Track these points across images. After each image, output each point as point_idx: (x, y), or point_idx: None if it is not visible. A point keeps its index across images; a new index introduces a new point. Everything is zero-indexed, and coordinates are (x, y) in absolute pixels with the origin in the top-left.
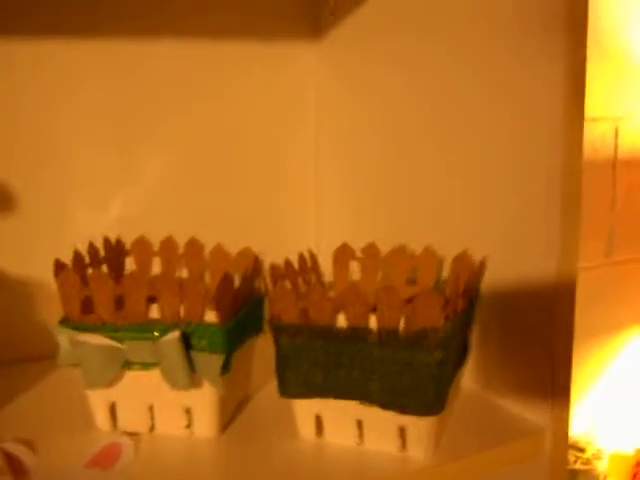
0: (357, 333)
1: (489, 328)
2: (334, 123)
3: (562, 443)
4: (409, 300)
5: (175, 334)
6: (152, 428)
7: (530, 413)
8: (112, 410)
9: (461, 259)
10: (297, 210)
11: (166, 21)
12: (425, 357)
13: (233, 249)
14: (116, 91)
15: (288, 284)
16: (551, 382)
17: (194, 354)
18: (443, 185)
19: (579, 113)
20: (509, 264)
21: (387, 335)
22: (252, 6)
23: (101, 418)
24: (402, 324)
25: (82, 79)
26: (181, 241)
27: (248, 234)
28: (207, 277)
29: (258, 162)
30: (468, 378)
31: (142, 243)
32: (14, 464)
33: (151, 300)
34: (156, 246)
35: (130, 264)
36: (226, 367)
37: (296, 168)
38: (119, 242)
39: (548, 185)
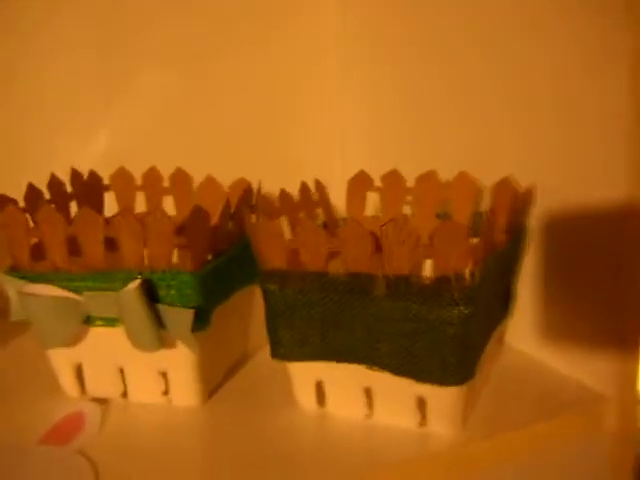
0: (360, 282)
1: (539, 273)
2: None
3: (629, 417)
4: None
5: (134, 284)
6: (125, 394)
7: (590, 379)
8: (79, 373)
9: (503, 187)
10: (320, 143)
11: None
12: (447, 313)
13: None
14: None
15: (277, 220)
16: (617, 340)
17: (162, 308)
18: (484, 99)
19: None
20: (565, 194)
21: (397, 284)
22: None
23: (66, 382)
24: (418, 270)
25: (71, 20)
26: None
27: (262, 171)
28: None
29: (273, 89)
30: (511, 335)
31: (122, 176)
32: None
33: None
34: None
35: (113, 202)
36: (202, 323)
37: (318, 94)
38: (93, 175)
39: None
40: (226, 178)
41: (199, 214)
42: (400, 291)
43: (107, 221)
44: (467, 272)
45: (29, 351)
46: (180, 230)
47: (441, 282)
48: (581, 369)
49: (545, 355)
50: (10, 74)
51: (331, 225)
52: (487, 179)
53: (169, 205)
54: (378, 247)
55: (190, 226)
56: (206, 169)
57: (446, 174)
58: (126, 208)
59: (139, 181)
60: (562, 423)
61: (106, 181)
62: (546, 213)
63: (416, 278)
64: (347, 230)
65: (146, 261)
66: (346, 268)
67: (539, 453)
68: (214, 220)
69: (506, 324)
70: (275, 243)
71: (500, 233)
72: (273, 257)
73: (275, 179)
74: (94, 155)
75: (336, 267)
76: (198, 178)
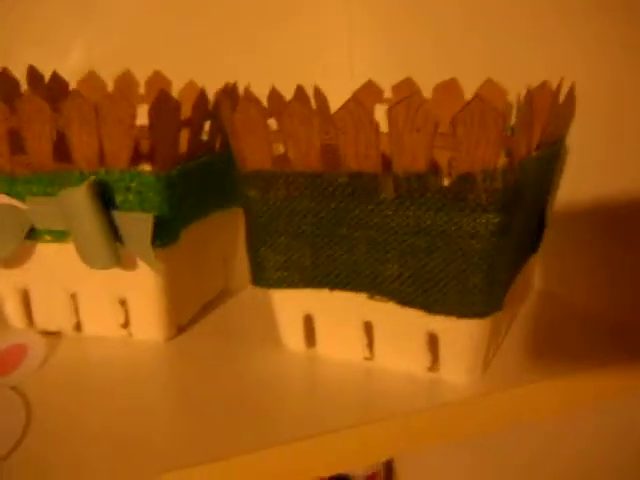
0: (361, 184)
1: (577, 198)
2: None
3: None
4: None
5: (84, 185)
6: (78, 326)
7: (619, 317)
8: (25, 299)
9: (540, 91)
10: (324, 46)
11: None
12: (472, 221)
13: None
14: None
15: (257, 109)
16: None
17: (118, 215)
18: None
19: None
20: (608, 110)
21: (409, 185)
22: None
23: (10, 310)
24: (436, 166)
25: None
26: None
27: (255, 76)
28: None
29: None
30: (542, 273)
31: (91, 81)
32: None
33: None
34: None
35: None
36: (167, 237)
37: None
38: (56, 77)
39: None
40: (213, 84)
41: (165, 100)
42: (412, 194)
43: (56, 110)
44: (499, 171)
45: None
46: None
47: (465, 182)
48: (621, 312)
49: (576, 294)
50: None
51: None
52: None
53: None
54: (386, 139)
55: (154, 115)
56: (189, 75)
57: (468, 84)
58: (76, 91)
59: (110, 87)
60: (601, 376)
61: (73, 87)
62: (585, 127)
63: (433, 177)
64: (345, 114)
65: (101, 158)
66: (345, 166)
67: (568, 412)
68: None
69: (536, 260)
70: (257, 136)
71: (536, 139)
72: (255, 155)
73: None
74: (64, 66)
75: (337, 164)
76: (179, 84)
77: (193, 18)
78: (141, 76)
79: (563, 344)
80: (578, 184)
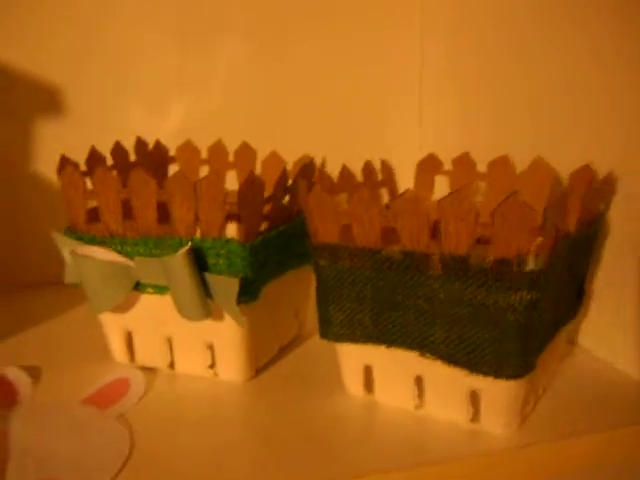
0: (414, 261)
1: (616, 269)
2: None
3: None
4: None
5: (183, 250)
6: (172, 365)
7: None
8: (129, 340)
9: (581, 173)
10: (396, 121)
11: None
12: (508, 298)
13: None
14: None
15: (330, 192)
16: None
17: (210, 277)
18: (554, 86)
19: None
20: None
21: (454, 264)
22: None
23: (116, 348)
24: (477, 250)
25: None
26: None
27: (333, 150)
28: None
29: (349, 59)
30: (584, 337)
31: (187, 149)
32: (6, 392)
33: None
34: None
35: None
36: (250, 295)
37: (397, 73)
38: (159, 145)
39: None
40: (294, 156)
41: (253, 181)
42: (457, 272)
43: (161, 185)
44: (532, 256)
45: (86, 317)
46: (240, 197)
47: (501, 265)
48: None
49: (620, 361)
50: (94, 41)
51: None
52: (563, 168)
53: (233, 179)
54: (436, 223)
55: (243, 193)
56: (274, 146)
57: (520, 160)
58: (179, 172)
59: (205, 154)
60: (628, 436)
61: (172, 153)
62: (625, 200)
63: (474, 258)
64: (401, 203)
65: (197, 228)
66: (401, 244)
67: (601, 466)
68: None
69: (578, 323)
70: (327, 215)
71: (574, 220)
72: (325, 230)
73: (346, 159)
74: (165, 128)
75: (393, 243)
76: (264, 154)
77: (275, 90)
78: (230, 141)
79: (598, 403)
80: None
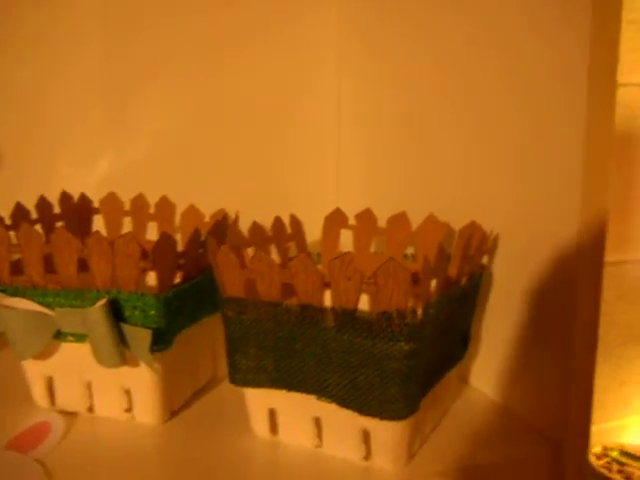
0: (310, 313)
1: (494, 317)
2: (355, 83)
3: (578, 460)
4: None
5: (100, 302)
6: (91, 408)
7: (540, 421)
8: (49, 385)
9: (466, 231)
10: (315, 180)
11: None
12: (390, 347)
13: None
14: (109, 45)
15: (236, 249)
16: (567, 386)
17: (125, 327)
18: (462, 153)
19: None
20: (524, 243)
21: (344, 317)
22: None
23: (38, 393)
24: (363, 304)
25: (71, 19)
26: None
27: (251, 203)
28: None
29: (269, 121)
30: (473, 376)
31: (111, 201)
32: None
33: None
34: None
35: (102, 226)
36: (163, 344)
37: (316, 132)
38: (84, 198)
39: (571, 154)
40: (213, 208)
41: (165, 240)
42: (346, 324)
43: (82, 242)
44: (409, 311)
45: (7, 362)
46: (147, 253)
47: (383, 318)
48: (535, 412)
49: (504, 397)
50: (11, 90)
51: None
52: (457, 223)
53: (153, 230)
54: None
55: (156, 251)
56: (193, 198)
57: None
58: (98, 232)
59: (127, 206)
60: (508, 464)
61: (96, 204)
62: (506, 256)
63: (361, 312)
64: (297, 263)
65: (114, 282)
66: (298, 299)
67: None
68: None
69: (467, 365)
70: (233, 272)
71: (455, 274)
72: (232, 285)
73: (264, 212)
74: (89, 178)
75: (291, 297)
76: (184, 206)
77: (195, 147)
78: (151, 193)
79: (483, 437)
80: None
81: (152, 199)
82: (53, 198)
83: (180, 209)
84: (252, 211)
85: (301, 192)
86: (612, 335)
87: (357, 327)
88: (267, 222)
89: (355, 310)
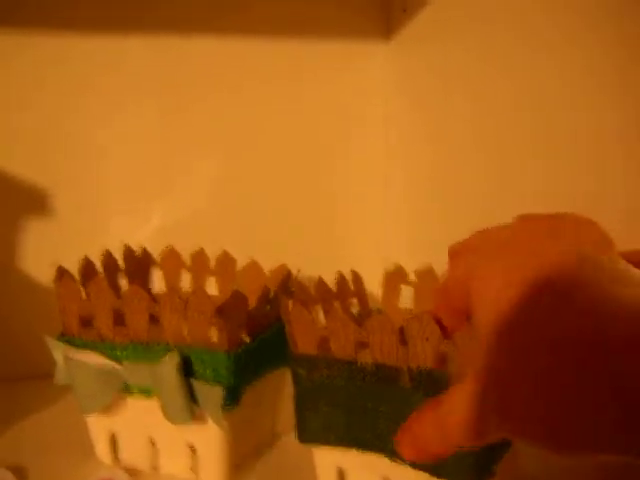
0: (385, 372)
1: None
2: (403, 131)
3: None
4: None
5: (172, 358)
6: (155, 466)
7: None
8: (113, 440)
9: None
10: (363, 229)
11: (218, 11)
12: None
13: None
14: (162, 88)
15: (310, 308)
16: None
17: (195, 383)
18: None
19: None
20: None
21: (420, 377)
22: (318, 2)
23: (101, 448)
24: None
25: (124, 75)
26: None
27: (306, 258)
28: None
29: (321, 171)
30: None
31: (171, 255)
32: None
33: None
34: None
35: (160, 278)
36: (232, 401)
37: (363, 180)
38: (145, 252)
39: None
40: (270, 263)
41: (237, 298)
42: (423, 384)
43: (153, 298)
44: None
45: (72, 413)
46: (219, 311)
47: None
48: None
49: None
50: (76, 146)
51: (365, 315)
52: None
53: (213, 285)
54: (404, 340)
55: (228, 309)
56: (251, 253)
57: None
58: (172, 288)
59: (187, 261)
60: None
61: (156, 258)
62: None
63: (438, 372)
64: (374, 322)
65: (185, 337)
66: (373, 357)
67: None
68: (252, 303)
69: None
70: (307, 329)
71: None
72: (304, 342)
73: (317, 266)
74: (148, 232)
75: (366, 356)
76: (243, 261)
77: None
78: (211, 247)
79: None
80: None
81: (209, 249)
82: (112, 248)
83: (239, 261)
84: (307, 265)
85: (350, 250)
86: None
87: (434, 387)
88: (323, 275)
89: (432, 370)
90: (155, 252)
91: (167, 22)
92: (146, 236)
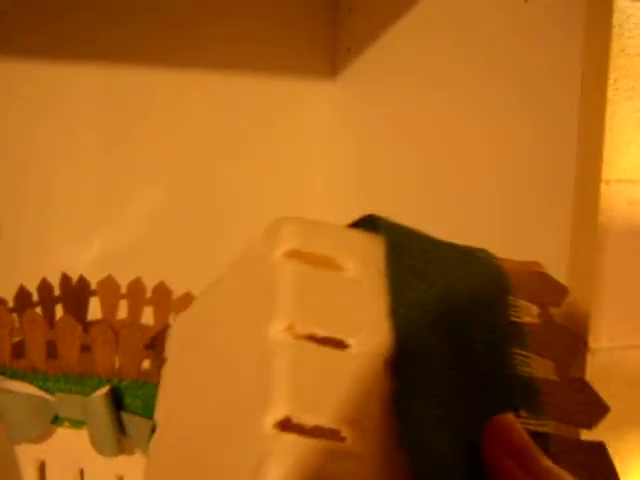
0: None
1: None
2: (343, 173)
3: None
4: None
5: (102, 391)
6: None
7: None
8: (41, 470)
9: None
10: None
11: (167, 48)
12: None
13: None
14: (105, 118)
15: None
16: None
17: (125, 416)
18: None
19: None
20: None
21: None
22: (264, 40)
23: (28, 478)
24: None
25: (68, 103)
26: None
27: None
28: None
29: (262, 205)
30: None
31: (108, 284)
32: None
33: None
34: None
35: (98, 307)
36: None
37: (304, 214)
38: (82, 280)
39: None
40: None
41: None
42: None
43: (85, 328)
44: None
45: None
46: (152, 342)
47: None
48: None
49: None
50: (12, 176)
51: None
52: None
53: (149, 315)
54: None
55: (161, 341)
56: (189, 283)
57: None
58: (104, 319)
59: (124, 289)
60: None
61: (93, 286)
62: None
63: None
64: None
65: (117, 369)
66: None
67: None
68: None
69: None
70: None
71: None
72: None
73: None
74: (88, 260)
75: None
76: (180, 291)
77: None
78: (150, 276)
79: None
80: None
81: (146, 278)
82: (48, 275)
83: (176, 293)
84: None
85: None
86: None
87: None
88: None
89: None
90: (95, 280)
91: (111, 53)
92: (86, 263)
